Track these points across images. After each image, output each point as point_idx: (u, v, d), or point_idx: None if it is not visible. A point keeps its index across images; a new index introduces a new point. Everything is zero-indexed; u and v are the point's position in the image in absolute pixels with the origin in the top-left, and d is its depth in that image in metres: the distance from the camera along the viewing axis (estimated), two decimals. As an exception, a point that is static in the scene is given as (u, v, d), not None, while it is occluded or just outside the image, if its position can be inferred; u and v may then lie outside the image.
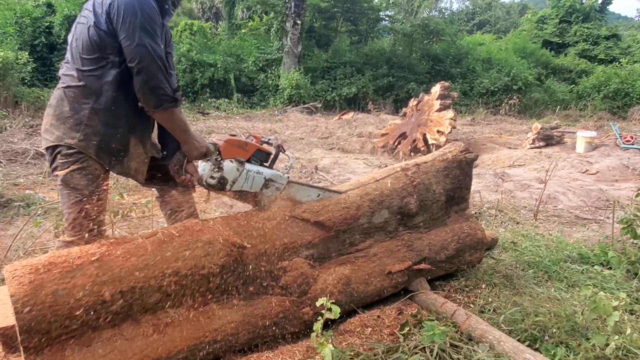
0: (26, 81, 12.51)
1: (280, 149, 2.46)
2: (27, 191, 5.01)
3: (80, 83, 2.04)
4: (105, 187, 2.19)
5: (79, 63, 2.04)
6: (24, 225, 3.57)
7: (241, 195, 2.39)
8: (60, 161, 2.05)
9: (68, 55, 2.10)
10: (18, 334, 1.65)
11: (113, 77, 2.04)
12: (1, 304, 2.03)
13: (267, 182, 2.36)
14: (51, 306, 1.66)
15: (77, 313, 1.71)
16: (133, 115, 2.13)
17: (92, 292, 1.74)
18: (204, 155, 2.21)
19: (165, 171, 2.53)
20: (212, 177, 2.20)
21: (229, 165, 2.21)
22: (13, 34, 13.97)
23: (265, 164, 2.41)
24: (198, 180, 2.22)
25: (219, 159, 2.22)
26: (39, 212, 4.23)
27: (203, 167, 2.23)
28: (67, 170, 2.04)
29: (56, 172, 2.08)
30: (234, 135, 2.33)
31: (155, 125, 2.36)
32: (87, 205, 2.06)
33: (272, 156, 2.43)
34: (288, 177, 2.44)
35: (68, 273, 1.73)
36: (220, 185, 2.22)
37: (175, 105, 2.06)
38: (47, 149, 2.11)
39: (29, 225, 3.68)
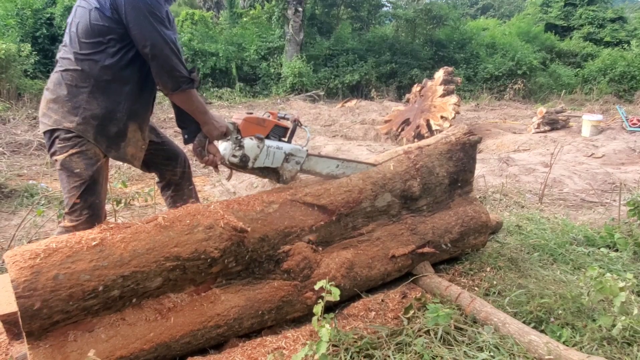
0: (28, 73, 12.49)
1: (297, 123, 2.48)
2: (31, 181, 5.02)
3: (78, 67, 2.02)
4: (105, 172, 2.18)
5: (77, 47, 2.02)
6: (27, 214, 3.57)
7: (263, 171, 2.43)
8: (59, 145, 2.04)
9: (66, 38, 2.08)
10: (20, 320, 1.65)
11: (111, 62, 2.02)
12: (4, 291, 2.03)
13: (288, 157, 2.40)
14: (52, 291, 1.65)
15: (79, 298, 1.71)
16: (132, 101, 2.12)
17: (94, 277, 1.73)
18: (225, 135, 2.25)
19: (164, 155, 2.51)
20: (234, 156, 2.25)
21: (249, 143, 2.26)
22: (14, 26, 13.91)
23: (283, 139, 2.44)
24: (220, 159, 2.27)
25: (239, 137, 2.26)
26: (42, 201, 4.24)
27: (224, 146, 2.27)
28: (65, 154, 2.03)
29: (55, 157, 2.06)
30: (250, 113, 2.36)
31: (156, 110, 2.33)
32: (87, 189, 2.05)
33: (289, 131, 2.46)
34: (307, 150, 2.47)
35: (68, 258, 1.72)
36: (242, 163, 2.27)
37: (192, 86, 2.09)
38: (45, 132, 2.09)
39: (32, 215, 3.69)
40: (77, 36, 2.02)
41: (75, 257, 1.73)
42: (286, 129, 2.44)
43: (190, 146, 2.29)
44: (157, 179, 2.66)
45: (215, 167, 2.32)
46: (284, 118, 2.50)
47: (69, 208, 2.06)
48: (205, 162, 2.27)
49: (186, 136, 2.34)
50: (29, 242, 3.39)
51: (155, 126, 2.41)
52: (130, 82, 2.09)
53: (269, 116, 2.41)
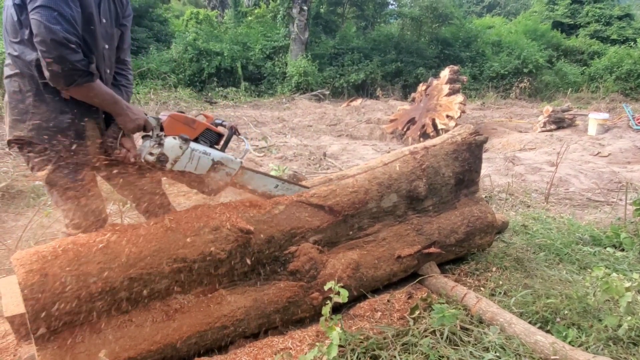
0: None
1: (233, 131, 2.29)
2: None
3: (16, 70, 1.91)
4: (91, 174, 2.10)
5: (10, 49, 1.90)
6: (34, 215, 3.59)
7: (186, 177, 2.18)
8: (36, 160, 1.95)
9: (4, 44, 1.95)
10: (28, 322, 1.66)
11: (35, 57, 1.83)
12: (12, 293, 2.05)
13: (216, 165, 2.16)
14: (59, 293, 1.67)
15: (86, 300, 1.72)
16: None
17: (101, 279, 1.75)
18: (143, 129, 2.05)
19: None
20: (150, 154, 2.00)
21: (170, 142, 2.02)
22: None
23: (216, 146, 2.23)
24: (135, 156, 2.04)
25: (161, 134, 2.03)
26: (49, 202, 4.26)
27: (144, 143, 2.05)
28: (46, 171, 1.96)
29: (35, 172, 1.98)
30: (181, 112, 2.15)
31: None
32: (81, 199, 2.00)
33: (224, 138, 2.24)
34: (241, 162, 2.25)
35: (76, 260, 1.73)
36: (159, 163, 2.02)
37: (91, 80, 1.86)
38: (10, 144, 1.99)
39: (39, 216, 3.71)
40: (8, 37, 1.89)
41: (83, 259, 1.75)
42: (220, 135, 2.23)
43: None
44: (134, 205, 2.50)
45: (129, 163, 2.09)
46: (220, 124, 2.28)
47: (69, 220, 2.04)
48: (117, 156, 2.06)
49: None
50: (35, 243, 3.41)
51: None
52: None
53: (203, 119, 2.20)
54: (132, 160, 2.05)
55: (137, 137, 2.18)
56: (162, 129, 2.05)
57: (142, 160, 2.03)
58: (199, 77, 15.57)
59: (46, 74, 1.79)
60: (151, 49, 16.31)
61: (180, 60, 15.37)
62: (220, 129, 2.25)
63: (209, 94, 14.81)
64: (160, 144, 2.01)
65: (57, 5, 1.73)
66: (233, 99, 14.54)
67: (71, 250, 1.75)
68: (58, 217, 3.80)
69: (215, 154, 2.16)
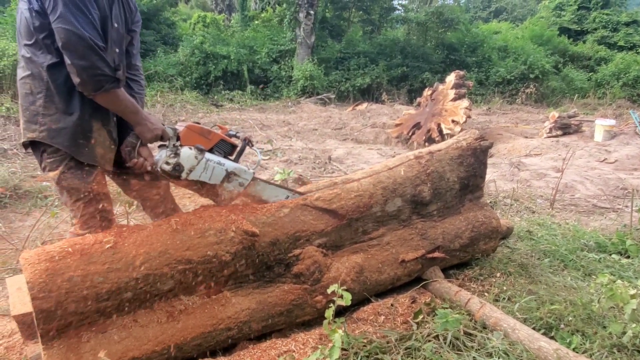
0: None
1: (247, 142, 2.33)
2: (44, 183, 5.08)
3: (28, 72, 1.95)
4: (100, 176, 2.14)
5: (23, 51, 1.94)
6: (41, 216, 3.62)
7: (200, 187, 2.26)
8: (48, 160, 2.00)
9: (18, 47, 2.01)
10: (35, 320, 1.68)
11: (55, 61, 1.90)
12: (19, 292, 2.07)
13: (229, 176, 2.22)
14: (67, 293, 1.68)
15: (92, 300, 1.74)
16: (88, 99, 1.98)
17: (107, 279, 1.77)
18: (160, 138, 2.11)
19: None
20: (167, 163, 2.06)
21: (186, 152, 2.09)
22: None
23: (230, 157, 2.28)
24: (152, 165, 2.10)
25: (178, 144, 2.10)
26: (56, 203, 4.29)
27: (160, 153, 2.12)
28: (57, 171, 2.00)
29: (47, 172, 2.02)
30: (197, 123, 2.21)
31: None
32: (90, 200, 2.04)
33: (238, 149, 2.30)
34: (253, 173, 2.30)
35: (83, 260, 1.75)
36: (175, 172, 2.08)
37: (117, 86, 1.93)
38: (25, 145, 2.04)
39: (46, 216, 3.74)
40: (22, 40, 1.94)
41: (90, 260, 1.76)
42: (234, 146, 2.28)
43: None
44: (141, 206, 2.55)
45: (147, 172, 2.17)
46: (234, 136, 2.33)
47: (77, 220, 2.07)
48: (134, 165, 2.11)
49: (120, 137, 2.21)
50: (42, 243, 3.44)
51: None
52: None
53: (217, 130, 2.26)
54: (149, 169, 2.11)
55: (152, 145, 2.23)
56: (178, 139, 2.11)
57: (159, 170, 2.08)
58: (205, 80, 15.64)
59: (75, 80, 1.85)
60: (158, 51, 16.42)
61: (187, 63, 15.46)
62: (234, 140, 2.30)
63: (215, 97, 14.87)
64: (177, 154, 2.07)
65: (81, 11, 1.80)
66: (239, 102, 14.59)
67: (78, 251, 1.77)
68: (65, 217, 3.83)
69: (229, 164, 2.21)
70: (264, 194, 2.41)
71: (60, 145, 1.98)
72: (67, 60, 1.81)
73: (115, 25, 2.05)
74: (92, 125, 2.04)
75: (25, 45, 1.93)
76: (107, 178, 2.28)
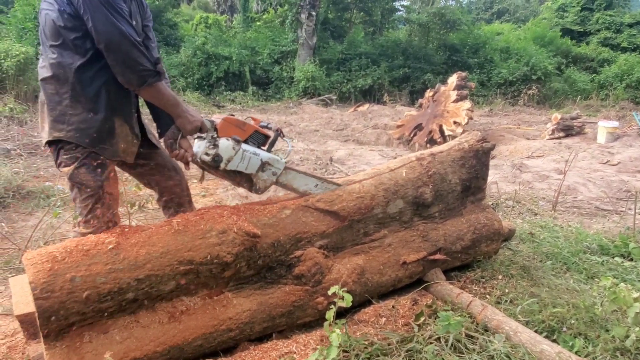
0: (45, 76, 12.63)
1: (279, 133, 2.41)
2: (47, 183, 5.10)
3: (53, 73, 1.98)
4: (114, 177, 2.18)
5: (49, 52, 1.98)
6: (44, 216, 3.63)
7: (236, 177, 2.34)
8: (64, 157, 2.04)
9: (41, 47, 2.05)
10: (37, 320, 1.68)
11: (82, 62, 1.96)
12: (22, 291, 2.07)
13: (264, 165, 2.31)
14: (69, 293, 1.68)
15: (94, 300, 1.74)
16: (112, 96, 2.08)
17: (109, 280, 1.77)
18: (199, 130, 2.19)
19: (163, 163, 2.47)
20: (206, 154, 2.16)
21: (225, 143, 2.17)
22: (32, 29, 14.13)
23: (263, 147, 2.36)
24: (192, 156, 2.20)
25: (215, 136, 2.19)
26: (58, 203, 4.30)
27: (199, 144, 2.20)
28: (71, 167, 2.03)
29: (61, 168, 2.06)
30: (232, 115, 2.29)
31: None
32: (99, 198, 2.06)
33: (270, 140, 2.38)
34: (285, 162, 2.39)
35: (85, 261, 1.75)
36: (214, 163, 2.18)
37: (159, 79, 2.01)
38: (46, 144, 2.08)
39: (48, 216, 3.75)
40: (47, 42, 1.98)
41: (92, 260, 1.77)
42: (267, 137, 2.36)
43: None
44: (156, 196, 2.61)
45: (187, 163, 2.26)
46: (266, 127, 2.42)
47: (83, 217, 2.09)
48: (175, 156, 2.22)
49: (159, 130, 2.30)
50: (45, 243, 3.45)
51: (145, 123, 2.37)
52: (105, 78, 2.02)
53: (251, 122, 2.35)
54: (189, 160, 2.22)
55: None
56: (215, 131, 2.20)
57: (198, 160, 2.19)
58: (207, 81, 15.66)
59: (121, 78, 1.94)
60: (160, 52, 16.42)
61: (189, 64, 15.48)
62: (266, 131, 2.38)
63: (217, 98, 14.90)
64: (215, 145, 2.17)
65: (116, 10, 1.86)
66: (241, 103, 14.61)
67: (81, 251, 1.77)
68: (67, 217, 3.84)
69: (263, 154, 2.31)
70: (294, 182, 2.47)
71: (86, 144, 2.03)
72: (111, 60, 1.88)
73: (134, 22, 2.09)
74: (114, 122, 2.12)
75: (52, 46, 1.97)
76: (123, 175, 2.32)
